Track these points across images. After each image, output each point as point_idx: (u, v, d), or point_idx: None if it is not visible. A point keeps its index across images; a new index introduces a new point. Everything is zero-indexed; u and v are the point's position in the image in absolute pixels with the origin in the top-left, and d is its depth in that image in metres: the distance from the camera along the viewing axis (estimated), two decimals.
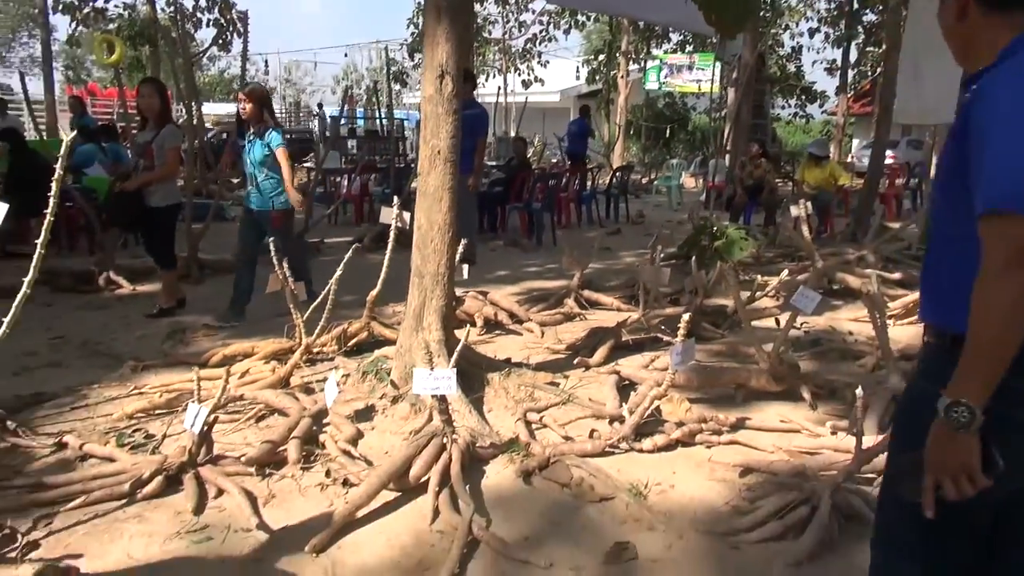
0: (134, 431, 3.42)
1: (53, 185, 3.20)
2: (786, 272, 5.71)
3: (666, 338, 4.59)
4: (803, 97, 26.49)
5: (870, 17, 22.88)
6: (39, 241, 3.15)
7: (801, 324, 5.16)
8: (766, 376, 3.87)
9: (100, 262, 6.48)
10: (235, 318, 5.36)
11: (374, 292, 4.39)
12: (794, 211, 6.65)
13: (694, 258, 5.64)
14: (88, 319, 5.47)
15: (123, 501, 2.79)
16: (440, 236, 3.49)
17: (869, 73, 25.94)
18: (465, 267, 5.11)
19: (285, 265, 4.15)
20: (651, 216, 12.40)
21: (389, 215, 4.27)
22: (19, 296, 3.09)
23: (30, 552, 2.50)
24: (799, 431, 3.50)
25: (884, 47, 15.33)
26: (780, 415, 3.68)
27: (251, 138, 5.19)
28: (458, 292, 5.16)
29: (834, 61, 25.17)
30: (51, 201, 3.22)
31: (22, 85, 8.73)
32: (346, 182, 11.03)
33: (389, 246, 4.27)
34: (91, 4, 17.30)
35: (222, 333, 5.07)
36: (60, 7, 17.30)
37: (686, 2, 6.18)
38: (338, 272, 4.12)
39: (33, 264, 3.11)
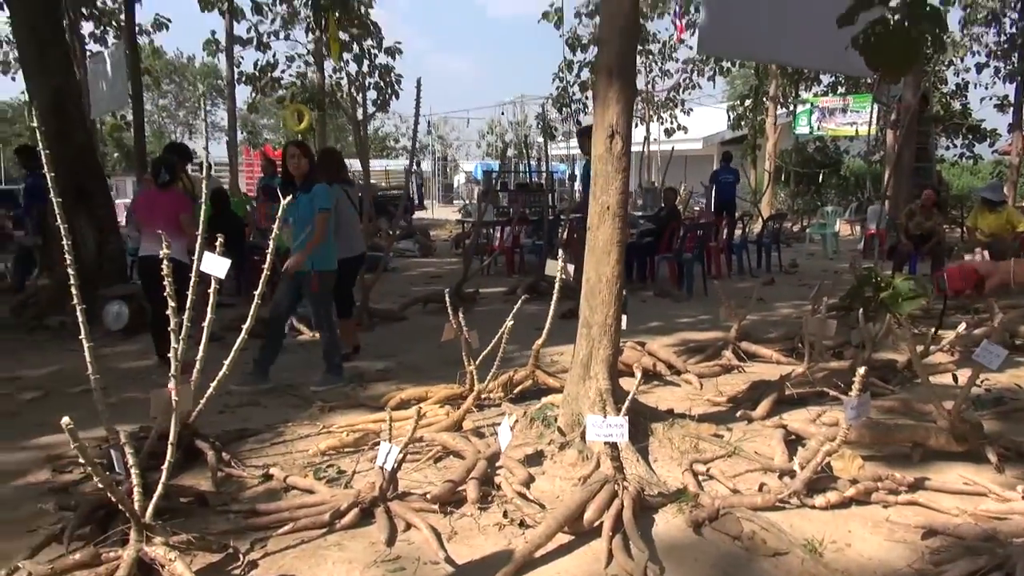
0: (328, 466, 3.75)
1: (270, 243, 3.65)
2: (963, 326, 5.41)
3: (834, 392, 4.48)
4: (970, 136, 24.83)
5: None
6: (256, 292, 3.60)
7: (982, 381, 4.87)
8: (946, 435, 3.70)
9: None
10: (260, 380, 5.16)
11: (539, 342, 4.59)
12: (969, 260, 6.29)
13: (860, 310, 5.46)
14: (277, 363, 6.02)
15: (324, 529, 3.08)
16: (608, 288, 3.65)
17: None
18: (624, 317, 5.24)
19: (461, 315, 4.43)
20: (805, 265, 12.03)
21: (554, 268, 4.48)
22: (238, 341, 3.53)
23: (250, 571, 2.82)
24: (985, 494, 3.32)
25: None
26: (963, 477, 3.51)
27: (298, 194, 5.07)
28: None
29: (1006, 97, 23.48)
30: (268, 257, 3.67)
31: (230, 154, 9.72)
32: (499, 234, 11.48)
33: (555, 297, 4.46)
34: (269, 75, 19.24)
35: (395, 377, 5.43)
36: (243, 79, 19.34)
37: (846, 49, 6.14)
38: (509, 322, 4.36)
39: (251, 313, 3.56)
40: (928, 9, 6.49)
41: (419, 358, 6.03)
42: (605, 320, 3.69)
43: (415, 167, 27.04)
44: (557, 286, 4.42)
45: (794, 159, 24.76)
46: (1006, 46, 22.74)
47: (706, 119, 27.31)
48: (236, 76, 19.29)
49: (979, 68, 24.11)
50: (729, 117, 24.49)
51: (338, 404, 4.72)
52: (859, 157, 23.78)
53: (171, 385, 2.98)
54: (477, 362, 4.45)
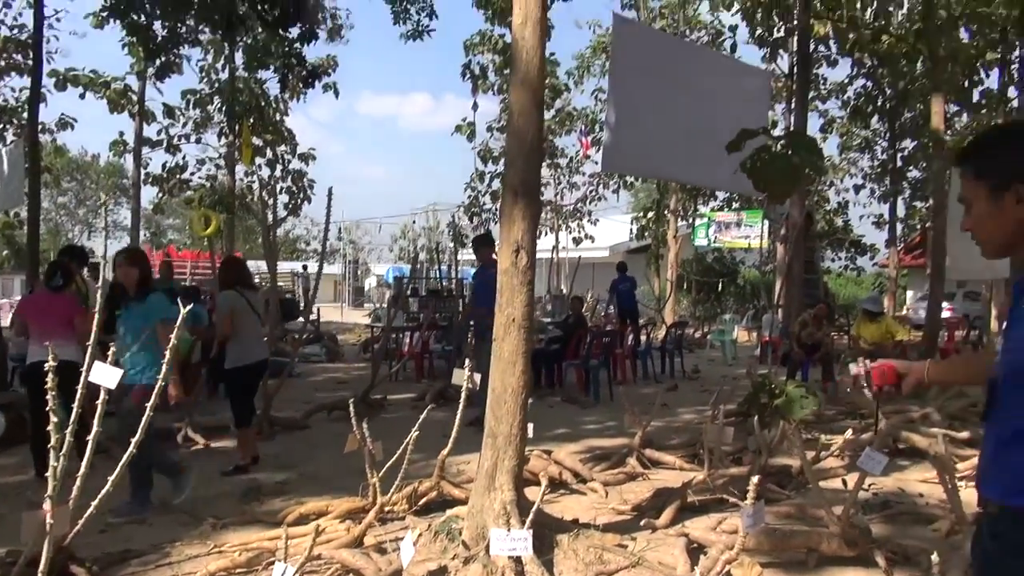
0: None
1: (167, 353, 3.54)
2: (850, 432, 5.68)
3: (733, 500, 4.58)
4: (853, 250, 26.80)
5: (914, 173, 23.51)
6: (147, 404, 3.45)
7: (869, 485, 5.09)
8: (837, 540, 3.82)
9: (182, 419, 6.80)
10: (141, 511, 4.67)
11: (445, 452, 4.54)
12: (853, 369, 6.65)
13: (756, 417, 5.67)
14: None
15: None
16: (513, 399, 3.69)
17: (918, 226, 26.25)
18: (530, 425, 5.26)
19: (365, 424, 4.36)
20: (707, 371, 12.44)
21: (461, 376, 4.49)
22: (124, 458, 3.35)
23: None
24: None
25: (932, 202, 15.67)
26: None
27: (130, 304, 4.79)
28: None
29: (881, 215, 25.57)
30: (163, 369, 3.55)
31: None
32: (409, 339, 11.44)
33: (461, 406, 4.46)
34: (178, 176, 19.02)
35: (294, 490, 5.22)
36: (150, 179, 19.03)
37: (735, 172, 6.62)
38: (414, 432, 4.30)
39: (142, 427, 3.40)
40: (805, 139, 7.12)
41: (322, 469, 5.84)
42: (511, 430, 3.71)
43: (302, 270, 26.87)
44: (464, 395, 4.43)
45: (695, 268, 25.98)
46: (879, 170, 25.01)
47: (612, 229, 28.48)
48: (143, 176, 18.99)
49: (857, 189, 26.36)
50: (632, 228, 25.66)
51: (231, 521, 4.48)
52: (754, 267, 25.20)
53: (46, 506, 2.78)
54: (381, 473, 4.35)
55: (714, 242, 24.76)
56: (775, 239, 18.86)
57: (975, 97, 17.44)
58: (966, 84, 15.98)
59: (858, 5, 14.19)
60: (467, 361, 4.55)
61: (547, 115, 23.83)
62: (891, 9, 17.19)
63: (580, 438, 7.09)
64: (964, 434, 6.26)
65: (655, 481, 5.37)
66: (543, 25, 3.62)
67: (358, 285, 40.57)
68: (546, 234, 27.80)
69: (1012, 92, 15.39)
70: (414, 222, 36.40)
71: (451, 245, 25.15)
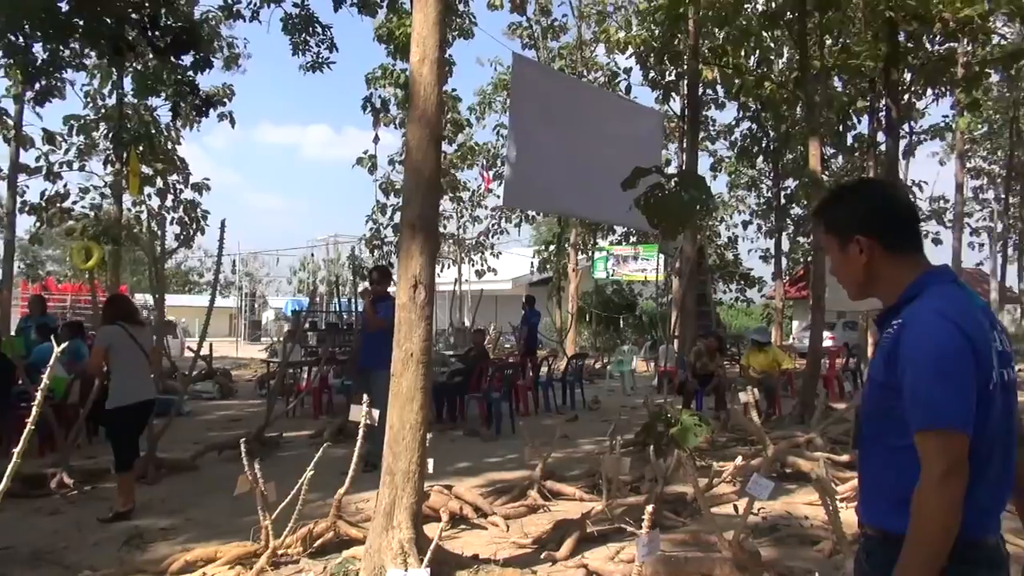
0: None
1: (38, 395, 3.33)
2: (740, 458, 5.91)
3: (631, 529, 4.67)
4: (742, 283, 28.10)
5: (797, 211, 24.94)
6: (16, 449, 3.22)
7: (759, 510, 5.29)
8: (730, 565, 3.95)
9: (57, 463, 6.36)
10: None
11: (342, 490, 4.43)
12: (743, 397, 6.96)
13: (652, 446, 5.81)
14: (39, 526, 5.30)
15: None
16: (412, 435, 3.65)
17: (801, 260, 27.80)
18: (430, 461, 5.20)
19: (256, 464, 4.20)
20: (607, 401, 12.66)
21: (358, 412, 4.41)
22: None
23: None
24: None
25: (812, 238, 16.66)
26: None
27: None
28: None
29: (768, 250, 26.94)
30: (34, 410, 3.33)
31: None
32: (306, 375, 11.13)
33: (359, 443, 4.37)
34: (58, 205, 17.94)
35: (181, 536, 4.96)
36: (27, 208, 17.90)
37: (630, 209, 6.85)
38: (309, 472, 4.18)
39: (7, 473, 3.16)
40: (695, 178, 7.45)
41: (212, 512, 5.57)
42: (409, 467, 3.66)
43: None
44: (361, 431, 4.35)
45: (594, 301, 26.54)
46: (765, 207, 26.42)
47: (514, 262, 28.79)
48: (19, 205, 17.81)
49: (745, 225, 27.75)
50: (534, 261, 26.05)
51: (110, 572, 4.20)
52: (651, 300, 26.00)
53: None
54: (274, 515, 4.19)
55: (613, 275, 25.42)
56: (670, 272, 19.54)
57: (848, 141, 18.74)
58: (840, 129, 17.15)
59: (742, 53, 15.06)
60: (364, 396, 4.49)
61: (449, 149, 24.01)
62: (772, 58, 18.35)
63: (482, 471, 7.06)
64: (844, 457, 6.62)
65: (556, 513, 5.40)
66: (441, 64, 3.67)
67: (255, 319, 39.26)
68: (449, 267, 27.85)
69: (881, 137, 16.62)
70: (312, 254, 35.63)
71: (351, 278, 24.78)
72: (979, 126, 25.28)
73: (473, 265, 26.66)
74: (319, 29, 12.42)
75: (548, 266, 25.95)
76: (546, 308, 21.07)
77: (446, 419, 9.82)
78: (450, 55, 18.17)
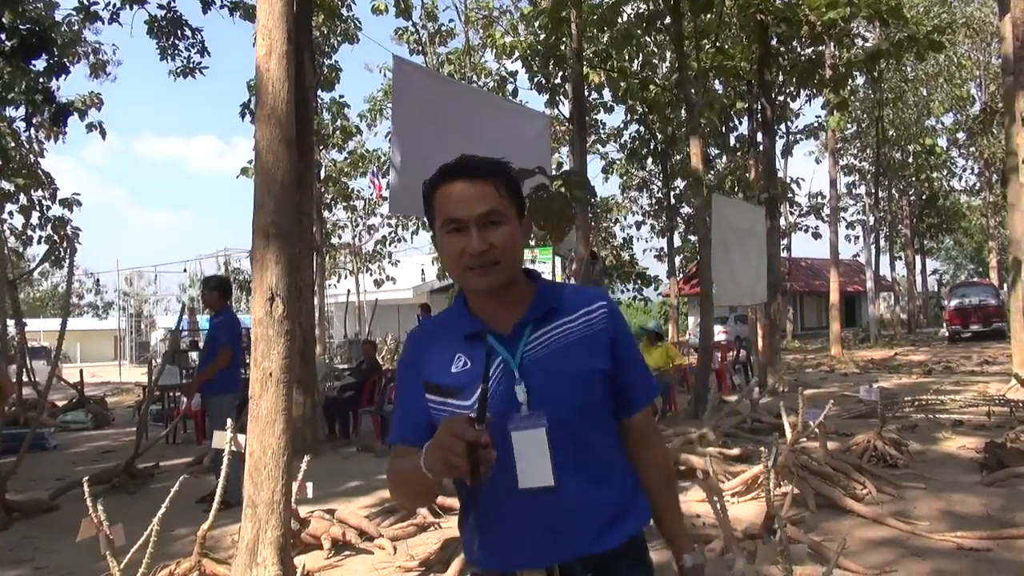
0: None
1: None
2: None
3: None
4: (639, 282, 28.70)
5: (687, 210, 25.68)
6: None
7: None
8: None
9: None
10: None
11: (206, 525, 4.06)
12: None
13: None
14: None
15: None
16: (274, 461, 3.36)
17: (692, 257, 28.67)
18: (309, 485, 4.89)
19: (100, 505, 3.78)
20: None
21: (222, 440, 4.06)
22: None
23: None
24: None
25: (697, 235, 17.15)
26: None
27: None
28: (303, 513, 4.90)
29: (662, 249, 27.62)
30: None
31: None
32: (186, 398, 10.47)
33: (223, 472, 4.02)
34: None
35: None
36: None
37: None
38: (163, 509, 3.80)
39: None
40: (576, 176, 7.41)
41: (67, 559, 5.05)
42: (272, 497, 3.36)
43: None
44: (225, 459, 4.00)
45: None
46: (656, 207, 27.08)
47: (414, 269, 28.42)
48: None
49: (638, 225, 28.37)
50: (424, 268, 25.79)
51: None
52: None
53: None
54: (127, 558, 3.78)
55: None
56: (568, 275, 19.66)
57: (731, 141, 19.41)
58: (723, 130, 17.72)
59: (626, 56, 15.31)
60: (229, 422, 4.14)
61: (339, 157, 23.44)
62: (655, 61, 18.80)
63: (374, 490, 6.76)
64: (735, 450, 6.69)
65: (448, 530, 5.17)
66: (291, 58, 3.40)
67: (142, 340, 37.23)
68: (346, 277, 27.20)
69: (760, 137, 17.28)
70: (201, 273, 34.04)
71: (242, 293, 23.78)
72: (848, 125, 26.78)
73: (371, 275, 26.12)
74: (188, 32, 11.81)
75: (447, 273, 25.71)
76: None
77: (338, 436, 9.44)
78: (336, 61, 17.72)
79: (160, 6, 11.18)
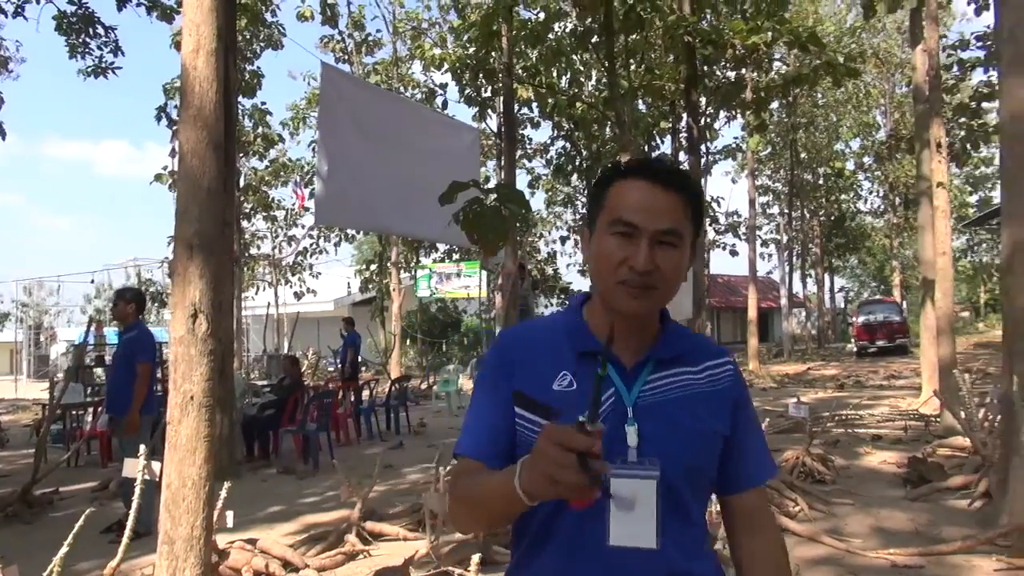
0: None
1: None
2: None
3: (458, 571, 4.32)
4: (563, 296, 28.89)
5: None
6: None
7: None
8: None
9: None
10: None
11: (115, 561, 3.72)
12: None
13: None
14: None
15: None
16: (194, 493, 3.08)
17: None
18: (229, 514, 4.57)
19: None
20: (433, 424, 12.29)
21: (134, 467, 3.73)
22: None
23: None
24: None
25: None
26: None
27: None
28: (222, 543, 4.57)
29: (585, 264, 27.87)
30: None
31: None
32: (91, 417, 9.83)
33: (135, 502, 3.69)
34: None
35: None
36: None
37: (448, 224, 6.56)
38: (67, 543, 3.45)
39: None
40: (513, 192, 7.30)
41: None
42: (191, 532, 3.08)
43: None
44: (138, 488, 3.68)
45: (420, 319, 26.17)
46: (580, 223, 27.32)
47: (337, 281, 27.81)
48: None
49: (563, 240, 28.58)
50: (351, 281, 25.30)
51: None
52: (476, 316, 26.02)
53: None
54: None
55: (436, 293, 25.18)
56: (494, 289, 19.58)
57: None
58: (646, 148, 18.01)
59: (555, 73, 15.39)
60: (142, 448, 3.81)
61: (260, 165, 22.74)
62: (582, 79, 18.99)
63: (297, 515, 6.44)
64: None
65: (377, 558, 4.94)
66: (219, 56, 3.16)
67: (41, 354, 35.08)
68: (264, 289, 26.35)
69: (683, 156, 17.65)
70: (110, 284, 32.40)
71: (153, 305, 22.71)
72: (764, 147, 27.77)
73: (291, 287, 25.40)
74: (101, 30, 11.19)
75: (371, 286, 25.25)
76: (368, 329, 20.40)
77: (258, 457, 9.01)
78: (258, 67, 17.18)
79: (70, 1, 10.55)
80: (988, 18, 20.50)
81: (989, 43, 14.62)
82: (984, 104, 15.63)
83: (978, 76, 16.44)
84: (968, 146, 15.79)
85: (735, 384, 1.30)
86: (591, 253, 1.26)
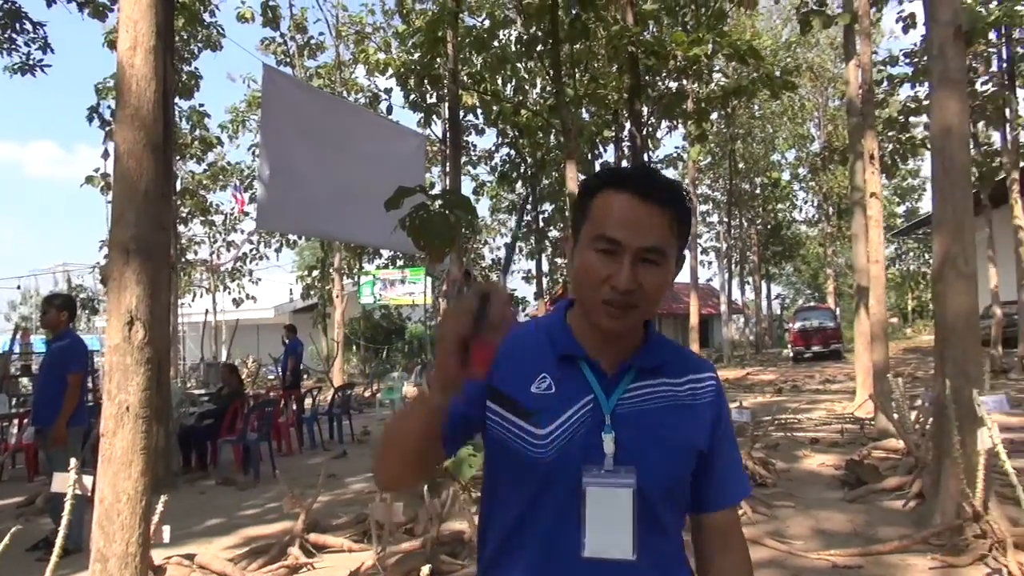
0: None
1: None
2: None
3: None
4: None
5: (554, 233, 26.18)
6: None
7: None
8: None
9: None
10: None
11: None
12: None
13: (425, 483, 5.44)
14: None
15: None
16: (129, 508, 2.95)
17: (560, 280, 29.23)
18: (166, 528, 4.41)
19: None
20: (377, 433, 12.12)
21: (64, 482, 3.56)
22: None
23: None
24: None
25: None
26: None
27: None
28: (158, 560, 4.41)
29: (530, 271, 27.98)
30: None
31: None
32: (16, 429, 9.40)
33: (65, 519, 3.52)
34: None
35: None
36: None
37: (394, 230, 6.48)
38: None
39: None
40: (460, 198, 7.26)
41: None
42: (127, 549, 2.95)
43: None
44: (68, 504, 3.51)
45: (363, 326, 25.85)
46: (525, 231, 27.42)
47: (278, 288, 27.28)
48: None
49: (508, 248, 28.62)
50: (292, 291, 24.88)
51: None
52: (420, 323, 25.84)
53: None
54: None
55: (380, 300, 24.93)
56: (438, 295, 19.48)
57: (596, 168, 19.98)
58: (590, 156, 18.18)
59: (500, 80, 15.43)
60: (73, 461, 3.64)
61: (198, 169, 22.18)
62: (527, 87, 19.08)
63: (237, 528, 6.25)
64: None
65: (321, 571, 4.83)
66: (158, 54, 3.05)
67: None
68: (202, 296, 25.66)
69: (625, 164, 17.88)
70: (37, 290, 31.11)
71: (83, 312, 21.89)
72: (704, 157, 28.35)
73: (230, 293, 24.80)
74: (29, 26, 10.77)
75: (312, 292, 24.84)
76: (310, 336, 20.04)
77: (196, 468, 8.74)
78: (196, 68, 16.75)
79: None
80: (915, 36, 21.42)
81: (916, 60, 15.27)
82: (912, 118, 16.29)
83: (905, 91, 17.11)
84: (896, 158, 16.42)
85: (717, 399, 1.28)
86: (574, 265, 1.22)
